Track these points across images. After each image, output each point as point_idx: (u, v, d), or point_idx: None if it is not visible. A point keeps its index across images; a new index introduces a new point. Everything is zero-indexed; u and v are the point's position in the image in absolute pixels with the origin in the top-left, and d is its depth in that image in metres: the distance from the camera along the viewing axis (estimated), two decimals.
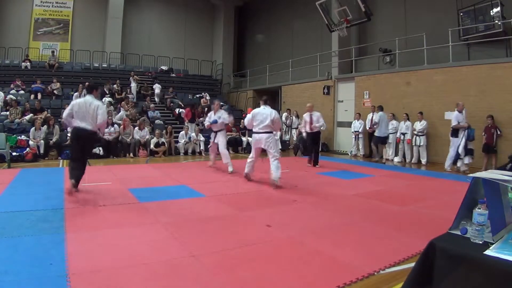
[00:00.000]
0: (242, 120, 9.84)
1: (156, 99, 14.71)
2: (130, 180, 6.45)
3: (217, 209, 4.54)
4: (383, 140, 10.10)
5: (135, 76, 14.95)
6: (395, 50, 11.44)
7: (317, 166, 8.60)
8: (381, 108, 10.28)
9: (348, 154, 11.97)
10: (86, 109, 5.04)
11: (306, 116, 8.68)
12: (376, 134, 10.12)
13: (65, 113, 5.24)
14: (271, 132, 6.22)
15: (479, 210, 1.69)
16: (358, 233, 3.67)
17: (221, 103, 8.22)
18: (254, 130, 6.34)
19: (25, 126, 10.20)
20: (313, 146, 8.81)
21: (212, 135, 7.86)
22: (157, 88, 14.91)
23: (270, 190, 5.78)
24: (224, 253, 3.02)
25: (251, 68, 19.24)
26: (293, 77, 15.43)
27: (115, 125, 10.47)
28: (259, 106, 6.42)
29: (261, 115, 6.22)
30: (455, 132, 8.16)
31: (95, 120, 5.08)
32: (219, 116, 7.68)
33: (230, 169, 7.39)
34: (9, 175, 6.69)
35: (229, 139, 11.00)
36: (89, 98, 5.18)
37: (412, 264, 1.97)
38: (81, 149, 5.18)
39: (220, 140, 7.65)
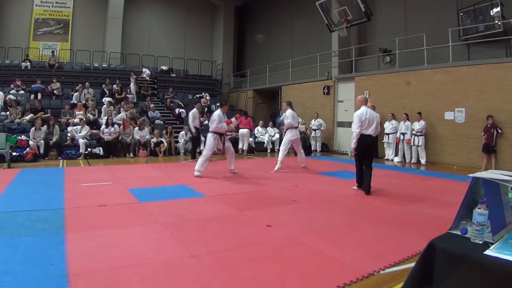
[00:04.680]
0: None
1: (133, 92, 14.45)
2: (130, 180, 6.44)
3: (217, 209, 4.54)
4: None
5: (134, 76, 14.90)
6: (395, 50, 11.44)
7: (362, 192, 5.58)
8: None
9: (348, 154, 11.96)
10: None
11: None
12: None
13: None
14: (212, 132, 6.96)
15: (479, 210, 1.69)
16: (358, 233, 3.67)
17: (276, 112, 8.72)
18: None
19: (25, 126, 10.19)
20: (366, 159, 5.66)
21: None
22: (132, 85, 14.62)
23: (270, 190, 5.78)
24: (224, 253, 3.02)
25: (251, 68, 19.22)
26: (293, 77, 15.41)
27: (115, 125, 10.47)
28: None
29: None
30: None
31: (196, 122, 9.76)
32: (284, 116, 8.19)
33: (276, 166, 7.75)
34: (9, 175, 6.69)
35: (229, 139, 11.07)
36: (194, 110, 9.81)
37: (412, 264, 1.97)
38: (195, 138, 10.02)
39: (284, 139, 8.30)
